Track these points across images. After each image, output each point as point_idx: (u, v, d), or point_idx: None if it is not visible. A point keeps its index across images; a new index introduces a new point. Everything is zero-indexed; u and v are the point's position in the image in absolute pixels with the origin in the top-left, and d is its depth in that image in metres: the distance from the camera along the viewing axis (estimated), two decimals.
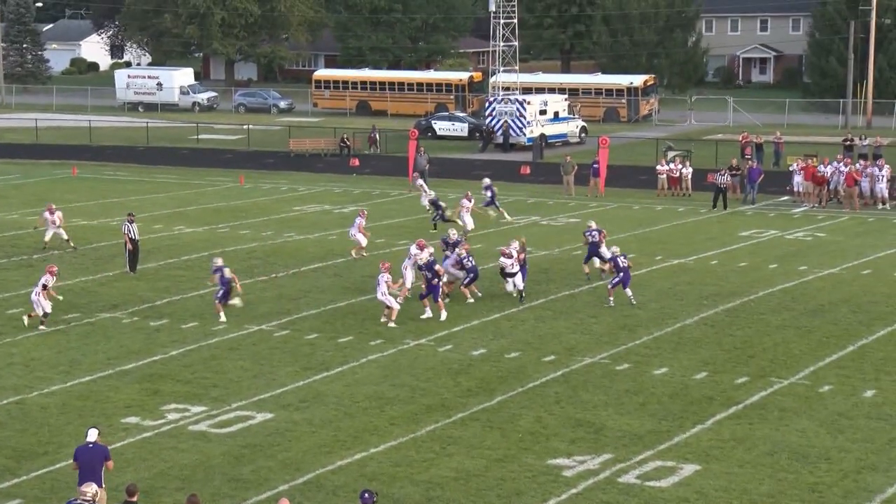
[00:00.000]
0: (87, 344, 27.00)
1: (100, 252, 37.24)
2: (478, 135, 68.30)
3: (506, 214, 43.12)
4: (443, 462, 20.08)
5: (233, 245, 38.72)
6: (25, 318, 28.50)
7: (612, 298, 30.01)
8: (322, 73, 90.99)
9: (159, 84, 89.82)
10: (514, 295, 30.49)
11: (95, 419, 20.51)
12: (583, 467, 19.72)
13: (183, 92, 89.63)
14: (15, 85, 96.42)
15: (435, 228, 40.11)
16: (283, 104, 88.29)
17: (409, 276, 30.38)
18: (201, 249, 37.86)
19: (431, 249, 30.94)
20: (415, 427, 21.68)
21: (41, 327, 28.21)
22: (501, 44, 74.57)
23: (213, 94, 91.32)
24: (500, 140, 65.35)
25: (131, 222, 34.42)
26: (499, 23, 73.83)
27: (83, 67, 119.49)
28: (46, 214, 37.85)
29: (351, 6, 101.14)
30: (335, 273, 34.09)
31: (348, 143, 63.82)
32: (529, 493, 18.80)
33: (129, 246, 34.06)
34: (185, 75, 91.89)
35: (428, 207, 42.04)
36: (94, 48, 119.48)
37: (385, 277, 28.59)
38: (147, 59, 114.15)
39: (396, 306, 28.68)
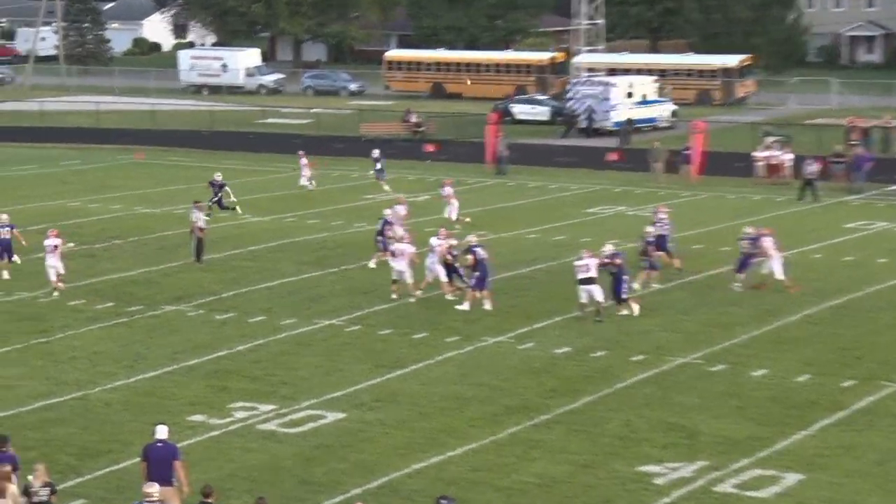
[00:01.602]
0: (152, 338, 27.32)
1: (164, 242, 37.66)
2: (559, 119, 68.03)
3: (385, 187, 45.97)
4: (525, 467, 20.01)
5: (301, 235, 38.96)
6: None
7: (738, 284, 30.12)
8: (394, 53, 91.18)
9: (224, 66, 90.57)
10: (590, 311, 28.27)
11: (160, 417, 20.71)
12: (675, 475, 19.55)
13: (249, 74, 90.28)
14: (76, 66, 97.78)
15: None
16: (353, 87, 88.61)
17: (440, 270, 30.28)
18: (268, 240, 38.14)
19: (454, 241, 30.93)
20: (495, 429, 21.63)
21: (56, 292, 29.71)
22: (585, 21, 74.13)
23: (280, 76, 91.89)
24: (584, 125, 65.02)
25: (199, 210, 34.78)
26: None
27: (145, 48, 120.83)
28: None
29: None
30: None
31: (422, 126, 63.90)
32: (618, 501, 18.69)
33: (200, 234, 34.41)
34: (250, 56, 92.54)
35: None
36: (157, 27, 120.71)
37: (440, 242, 29.64)
38: (211, 39, 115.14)
39: (444, 278, 29.75)
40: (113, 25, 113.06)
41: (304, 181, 47.65)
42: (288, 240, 38.18)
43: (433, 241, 30.82)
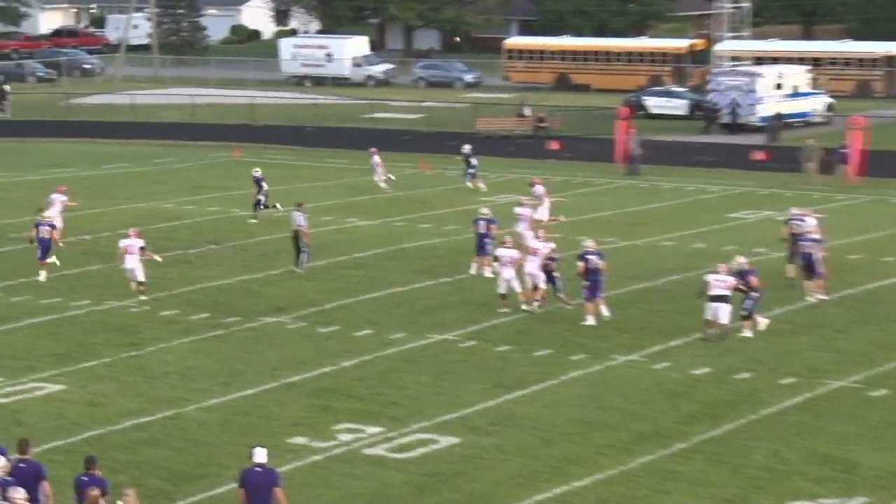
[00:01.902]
0: (249, 352, 27.63)
1: (264, 247, 38.09)
2: (699, 113, 67.43)
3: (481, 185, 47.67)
4: (660, 500, 19.85)
5: (412, 241, 39.11)
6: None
7: None
8: (515, 41, 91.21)
9: (329, 55, 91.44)
10: (713, 332, 27.87)
11: (259, 438, 20.92)
12: None
13: (355, 64, 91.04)
14: (170, 56, 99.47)
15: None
16: (469, 77, 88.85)
17: (540, 277, 30.20)
18: (376, 246, 38.37)
19: (553, 245, 31.00)
20: (626, 458, 21.48)
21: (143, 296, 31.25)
22: (729, 5, 73.39)
23: (390, 66, 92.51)
24: (727, 119, 64.37)
25: (302, 212, 35.12)
26: None
27: (244, 36, 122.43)
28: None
29: None
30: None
31: (545, 121, 63.82)
32: None
33: (307, 239, 34.76)
34: (358, 45, 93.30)
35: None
36: (257, 14, 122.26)
37: (540, 246, 29.97)
38: (315, 26, 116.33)
39: (543, 285, 29.75)
40: (210, 12, 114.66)
41: (378, 180, 48.49)
42: (397, 246, 38.35)
43: (532, 244, 30.75)
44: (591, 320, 29.35)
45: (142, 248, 32.20)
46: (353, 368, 26.47)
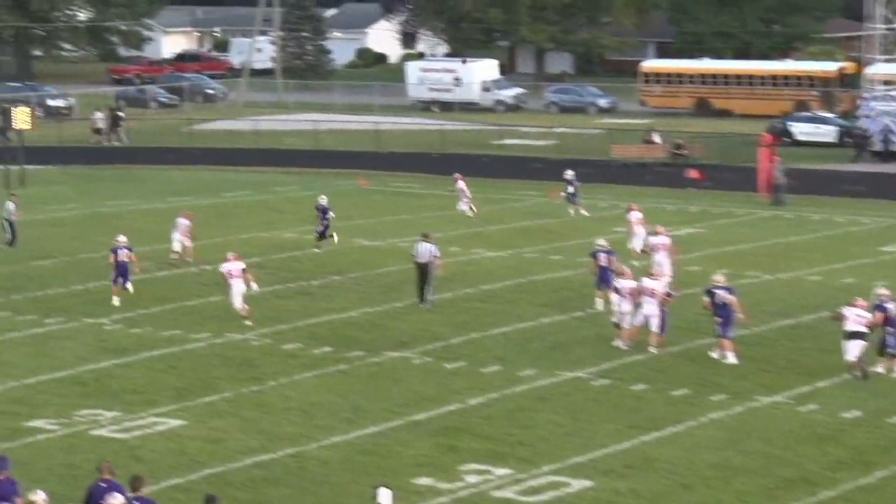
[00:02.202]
0: (373, 388, 27.77)
1: (388, 279, 38.30)
2: (849, 140, 66.43)
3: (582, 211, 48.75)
4: None
5: (542, 273, 39.04)
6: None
7: None
8: (652, 64, 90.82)
9: (457, 79, 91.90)
10: (857, 374, 27.66)
11: (383, 478, 20.98)
12: None
13: (484, 88, 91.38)
14: (293, 81, 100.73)
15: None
16: (603, 102, 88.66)
17: (654, 316, 29.88)
18: (504, 278, 38.36)
19: (668, 278, 31.22)
20: None
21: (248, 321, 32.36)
22: (881, 26, 72.22)
23: (521, 90, 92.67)
24: (879, 147, 63.34)
25: (428, 242, 35.23)
26: None
27: (370, 59, 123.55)
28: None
29: None
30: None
31: (684, 148, 63.37)
32: None
33: (438, 271, 34.90)
34: (487, 68, 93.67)
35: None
36: (383, 37, 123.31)
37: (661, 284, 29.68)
38: (443, 49, 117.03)
39: (655, 328, 29.64)
40: (335, 35, 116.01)
41: (462, 207, 49.15)
42: (527, 278, 38.32)
43: (647, 282, 30.38)
44: (731, 358, 29.02)
45: (243, 270, 33.27)
46: (480, 406, 26.45)
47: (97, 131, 75.33)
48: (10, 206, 43.39)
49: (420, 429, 25.14)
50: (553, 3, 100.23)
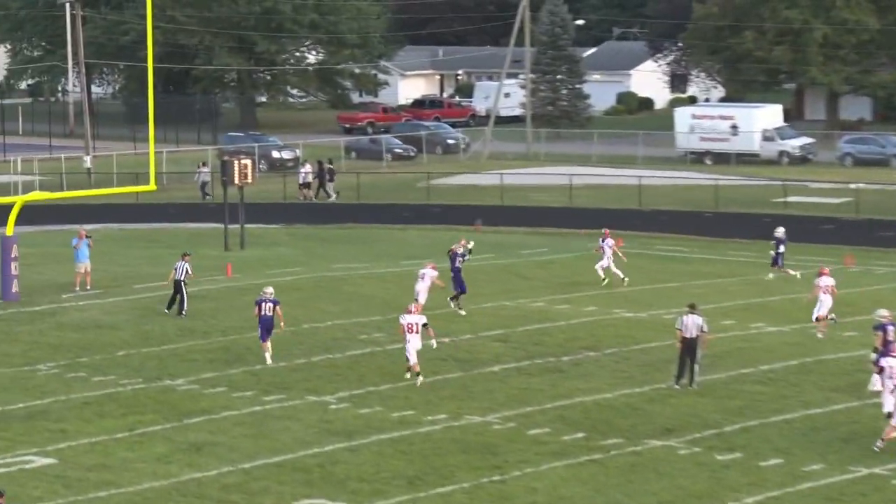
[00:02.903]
0: (632, 482, 27.56)
1: (650, 355, 38.08)
2: None
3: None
4: None
5: (832, 351, 38.33)
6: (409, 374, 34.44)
7: None
8: None
9: (734, 126, 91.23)
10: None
11: None
12: None
13: (766, 137, 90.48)
14: (545, 129, 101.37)
15: None
16: None
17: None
18: (789, 357, 37.79)
19: None
20: None
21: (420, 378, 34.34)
22: None
23: (809, 139, 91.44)
24: None
25: (696, 316, 34.94)
26: None
27: (633, 105, 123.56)
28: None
29: None
30: None
31: None
32: None
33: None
34: (770, 114, 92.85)
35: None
36: (648, 80, 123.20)
37: None
38: (718, 93, 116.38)
39: None
40: (594, 77, 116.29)
41: (602, 267, 49.13)
42: (814, 357, 37.66)
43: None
44: None
45: (425, 325, 35.19)
46: None
47: (305, 186, 76.98)
48: (186, 265, 44.41)
49: None
50: (849, 39, 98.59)
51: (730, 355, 37.75)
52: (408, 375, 35.16)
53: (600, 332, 41.25)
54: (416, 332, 35.28)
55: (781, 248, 50.39)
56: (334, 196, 76.80)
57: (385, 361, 37.39)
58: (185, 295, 43.98)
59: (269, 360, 37.16)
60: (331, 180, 77.64)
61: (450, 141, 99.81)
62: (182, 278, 44.09)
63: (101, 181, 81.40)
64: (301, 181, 77.78)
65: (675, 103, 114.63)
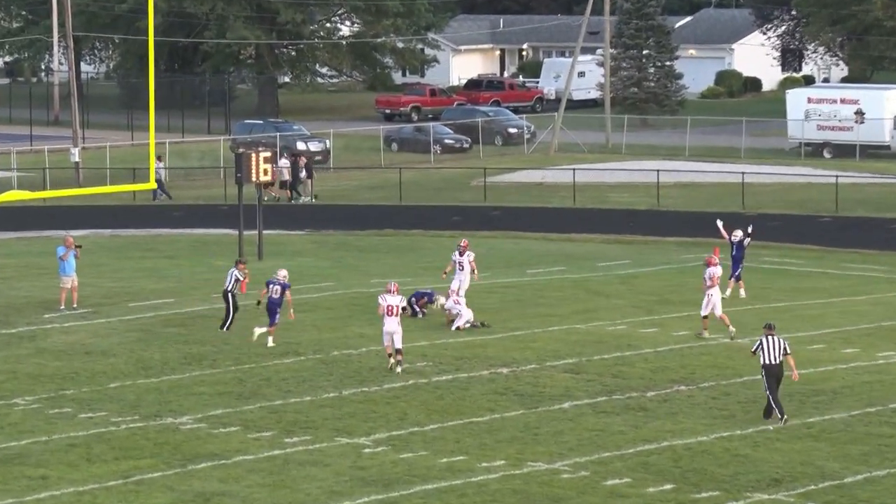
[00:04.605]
0: None
1: (753, 390, 37.84)
2: None
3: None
4: None
5: None
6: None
7: None
8: None
9: (859, 112, 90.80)
10: None
11: None
12: None
13: None
14: (627, 116, 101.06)
15: None
16: None
17: None
18: None
19: None
20: None
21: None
22: None
23: None
24: None
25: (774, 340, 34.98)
26: None
27: (735, 86, 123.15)
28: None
29: None
30: None
31: None
32: None
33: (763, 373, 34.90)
34: None
35: None
36: (755, 55, 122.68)
37: None
38: (840, 71, 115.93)
39: None
40: (689, 53, 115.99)
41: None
42: None
43: None
44: None
45: (403, 309, 38.28)
46: None
47: (282, 184, 76.06)
48: (237, 273, 44.95)
49: None
50: None
51: (852, 391, 37.63)
52: (390, 366, 38.56)
53: (694, 362, 41.17)
54: (396, 315, 38.89)
55: None
56: (309, 198, 76.12)
57: (430, 396, 37.46)
58: (231, 308, 44.77)
59: (255, 338, 41.22)
60: (309, 177, 77.07)
61: (511, 130, 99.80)
62: (230, 288, 44.82)
63: (91, 178, 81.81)
64: (283, 177, 76.02)
65: (786, 84, 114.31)
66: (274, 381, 38.95)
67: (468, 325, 44.62)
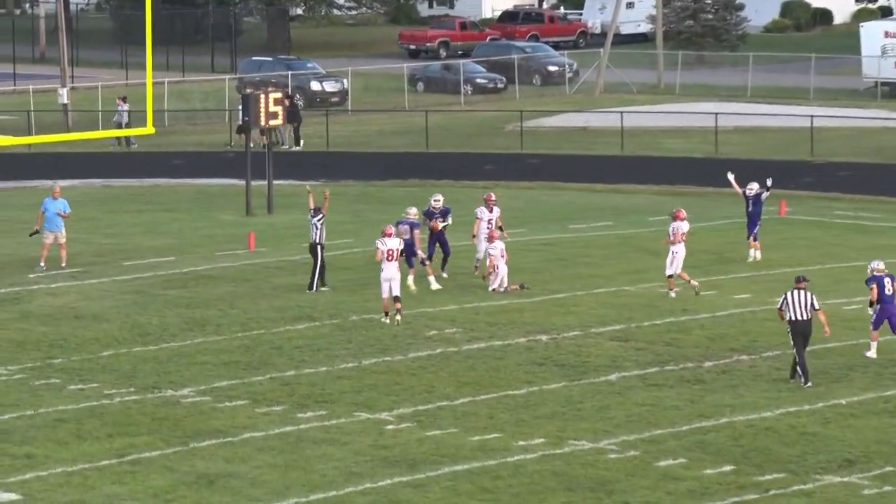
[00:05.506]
0: None
1: (825, 359, 37.81)
2: None
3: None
4: None
5: None
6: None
7: None
8: None
9: None
10: None
11: None
12: None
13: None
14: (682, 52, 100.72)
15: None
16: None
17: None
18: None
19: None
20: None
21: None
22: None
23: None
24: None
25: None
26: None
27: (804, 18, 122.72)
28: None
29: None
30: None
31: None
32: None
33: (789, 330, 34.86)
34: None
35: None
36: None
37: None
38: None
39: None
40: None
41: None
42: None
43: None
44: None
45: (402, 252, 39.73)
46: None
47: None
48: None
49: None
50: None
51: None
52: (385, 319, 39.52)
53: (756, 329, 41.10)
54: (395, 260, 40.04)
55: None
56: (287, 146, 75.36)
57: (461, 366, 37.45)
58: (317, 263, 45.37)
59: (412, 286, 43.00)
60: (293, 121, 76.35)
61: (551, 68, 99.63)
62: (317, 240, 45.35)
63: (81, 122, 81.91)
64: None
65: (860, 16, 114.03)
66: (286, 349, 38.98)
67: (503, 289, 44.46)
